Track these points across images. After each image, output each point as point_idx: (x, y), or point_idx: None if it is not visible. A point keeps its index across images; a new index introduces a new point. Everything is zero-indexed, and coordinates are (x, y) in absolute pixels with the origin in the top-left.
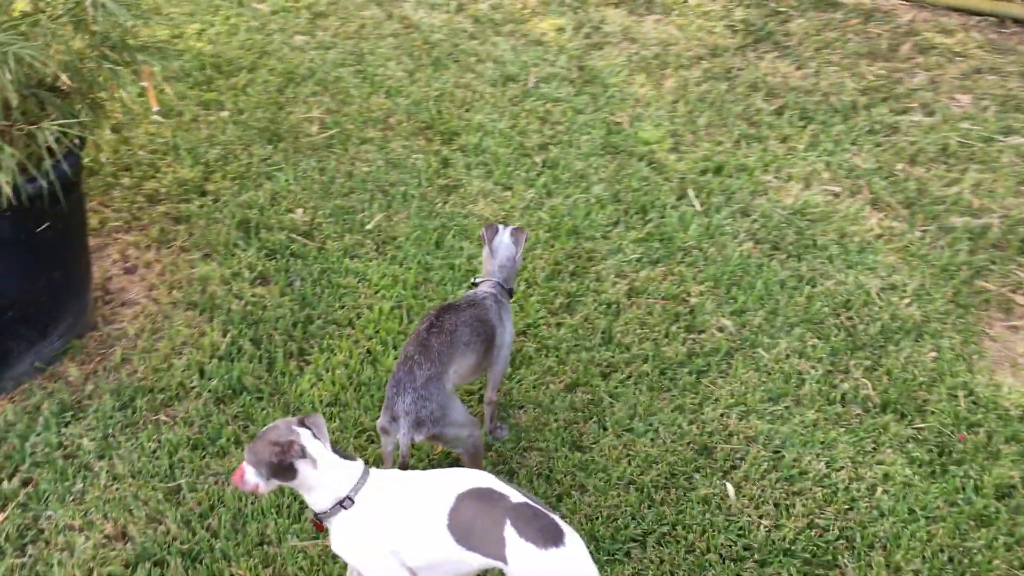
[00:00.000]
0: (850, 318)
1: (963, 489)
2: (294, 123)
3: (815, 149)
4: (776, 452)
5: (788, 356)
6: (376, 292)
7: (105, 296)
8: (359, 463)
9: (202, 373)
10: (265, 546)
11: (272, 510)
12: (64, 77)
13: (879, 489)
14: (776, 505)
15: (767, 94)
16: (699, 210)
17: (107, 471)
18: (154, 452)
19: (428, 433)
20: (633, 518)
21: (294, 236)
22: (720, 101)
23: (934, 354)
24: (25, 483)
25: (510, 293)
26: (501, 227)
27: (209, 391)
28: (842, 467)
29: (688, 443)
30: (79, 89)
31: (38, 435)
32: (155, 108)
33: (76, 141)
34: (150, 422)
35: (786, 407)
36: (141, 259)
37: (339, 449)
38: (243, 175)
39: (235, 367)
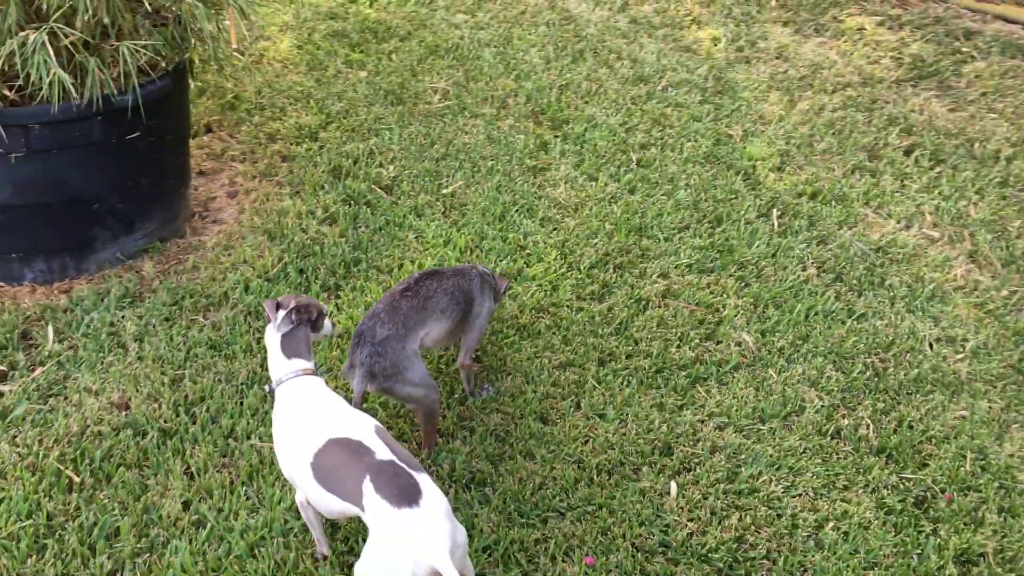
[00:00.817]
0: (885, 360)
1: (922, 545)
2: (419, 90)
3: (930, 192)
4: (737, 466)
5: (798, 382)
6: (425, 249)
7: (203, 212)
8: (300, 363)
9: (247, 288)
10: (230, 440)
11: (248, 411)
12: (146, 2)
13: (830, 524)
14: (713, 513)
15: (903, 130)
16: (775, 230)
17: (136, 352)
18: (177, 344)
19: (379, 386)
20: (564, 491)
21: (375, 187)
22: (849, 130)
23: (964, 413)
24: (70, 348)
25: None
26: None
27: (244, 304)
28: (800, 495)
29: (652, 439)
30: (169, 18)
31: (97, 312)
32: (233, 45)
33: (169, 67)
34: (188, 320)
35: (771, 428)
36: (243, 187)
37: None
38: (355, 129)
39: (274, 289)
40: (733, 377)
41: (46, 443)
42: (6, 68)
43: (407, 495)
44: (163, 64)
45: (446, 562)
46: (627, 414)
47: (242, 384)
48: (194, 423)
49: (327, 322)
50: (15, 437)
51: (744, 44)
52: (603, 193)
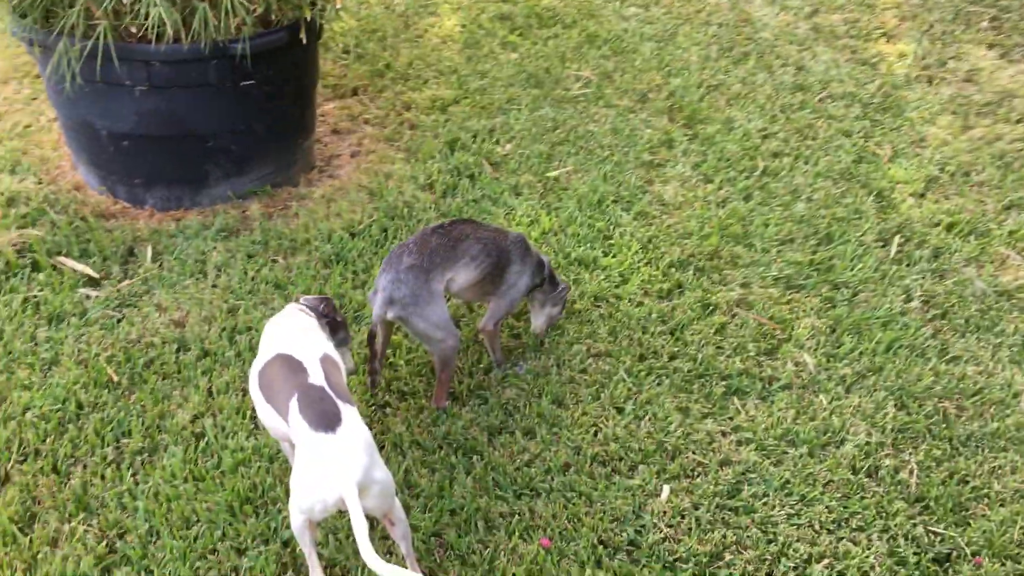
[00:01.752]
0: (962, 408)
1: None
2: (562, 76)
3: None
4: (742, 483)
5: (849, 414)
6: (510, 226)
7: (323, 167)
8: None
9: (328, 238)
10: (243, 363)
11: None
12: None
13: (824, 561)
14: (697, 524)
15: None
16: (891, 257)
17: (212, 280)
18: (249, 278)
19: (395, 314)
20: (549, 473)
21: (483, 162)
22: (1019, 164)
23: None
24: (160, 267)
25: (542, 282)
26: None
27: (320, 253)
28: (802, 525)
29: (661, 441)
30: None
31: (195, 241)
32: (339, 5)
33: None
34: (267, 259)
35: (799, 454)
36: (366, 148)
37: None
38: (485, 106)
39: (352, 244)
40: (777, 396)
41: (103, 344)
42: (133, 7)
43: (326, 421)
44: (278, 18)
45: (352, 493)
46: (646, 412)
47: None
48: (232, 348)
49: (345, 341)
50: (82, 335)
51: (932, 62)
52: (714, 196)
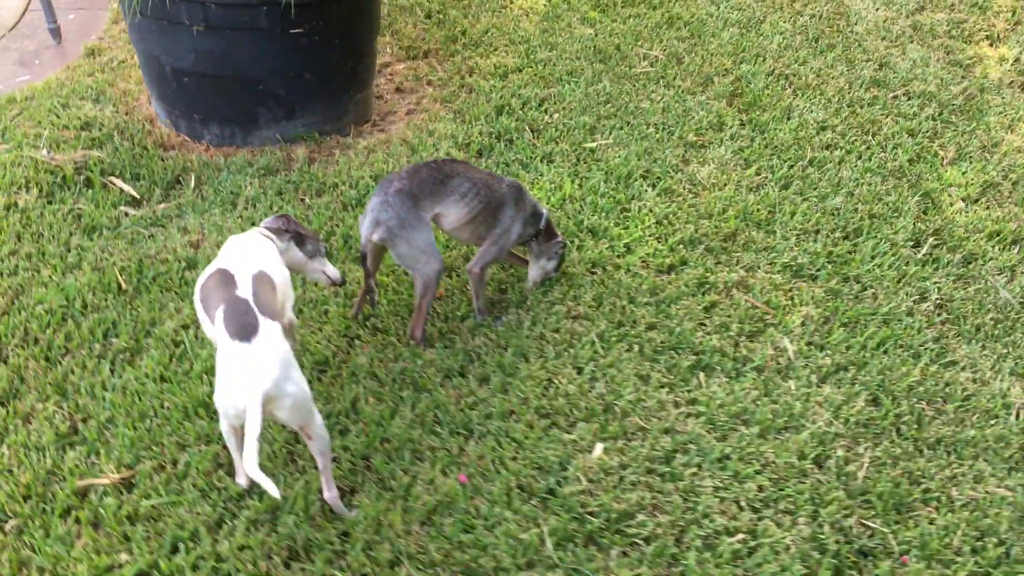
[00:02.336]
0: (941, 412)
1: None
2: (630, 54)
3: None
4: (676, 451)
5: (815, 403)
6: (533, 189)
7: (378, 120)
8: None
9: (355, 185)
10: None
11: None
12: None
13: (737, 536)
14: (620, 481)
15: None
16: (918, 258)
17: (239, 210)
18: (272, 212)
19: (380, 236)
20: (488, 416)
21: (525, 128)
22: None
23: (1005, 491)
24: (198, 197)
25: (537, 232)
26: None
27: (345, 197)
28: (726, 499)
29: (610, 403)
30: None
31: (236, 176)
32: None
33: None
34: (293, 197)
35: (748, 433)
36: (422, 107)
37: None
38: (544, 76)
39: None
40: (746, 376)
41: (124, 256)
42: None
43: (244, 331)
44: None
45: (255, 402)
46: (605, 375)
47: None
48: None
49: (318, 250)
50: (108, 246)
51: None
52: (749, 181)
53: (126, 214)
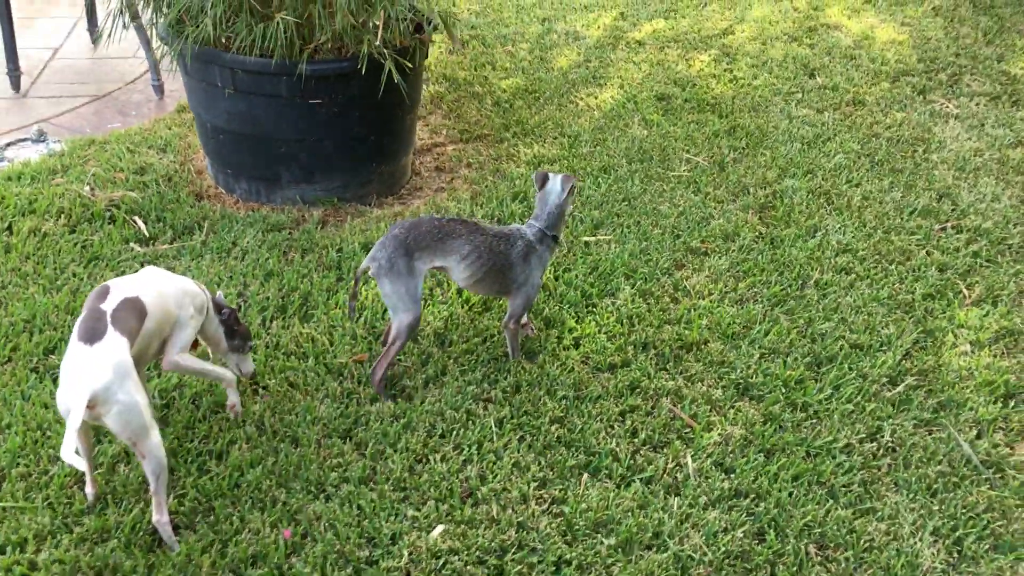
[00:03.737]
0: (830, 558)
1: None
2: (674, 156)
3: None
4: (517, 545)
5: (690, 525)
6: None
7: (406, 195)
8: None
9: (340, 250)
10: None
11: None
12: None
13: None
14: (443, 564)
15: None
16: (887, 396)
17: (229, 258)
18: (253, 262)
19: (372, 271)
20: (345, 480)
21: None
22: None
23: None
24: (202, 242)
25: (555, 239)
26: (552, 174)
27: (327, 258)
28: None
29: (473, 487)
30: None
31: (247, 228)
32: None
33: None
34: (281, 252)
35: (604, 542)
36: (451, 187)
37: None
38: (576, 169)
39: (359, 256)
40: (632, 487)
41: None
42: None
43: (89, 335)
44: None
45: (79, 402)
46: (482, 460)
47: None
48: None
49: (242, 347)
50: (97, 274)
51: None
52: (739, 294)
53: (130, 249)
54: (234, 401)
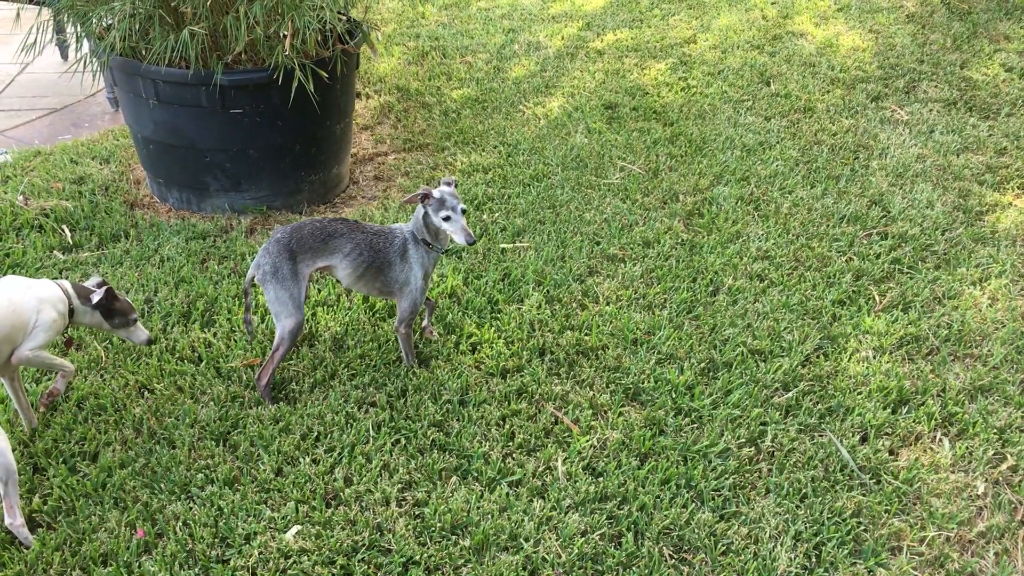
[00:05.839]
0: (684, 560)
1: None
2: (610, 165)
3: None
4: (368, 545)
5: (548, 528)
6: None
7: (339, 203)
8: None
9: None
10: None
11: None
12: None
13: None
14: (291, 563)
15: None
16: (775, 401)
17: (148, 264)
18: (168, 269)
19: (257, 278)
20: (210, 481)
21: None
22: None
23: None
24: (125, 250)
25: (427, 244)
26: (434, 191)
27: (243, 265)
28: None
29: (337, 488)
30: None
31: (171, 235)
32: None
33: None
34: (198, 259)
35: (463, 542)
36: (384, 195)
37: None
38: (507, 178)
39: None
40: (499, 489)
41: None
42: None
43: None
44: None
45: None
46: (353, 462)
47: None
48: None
49: (125, 322)
50: None
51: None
52: (648, 300)
53: (52, 256)
54: (58, 389)
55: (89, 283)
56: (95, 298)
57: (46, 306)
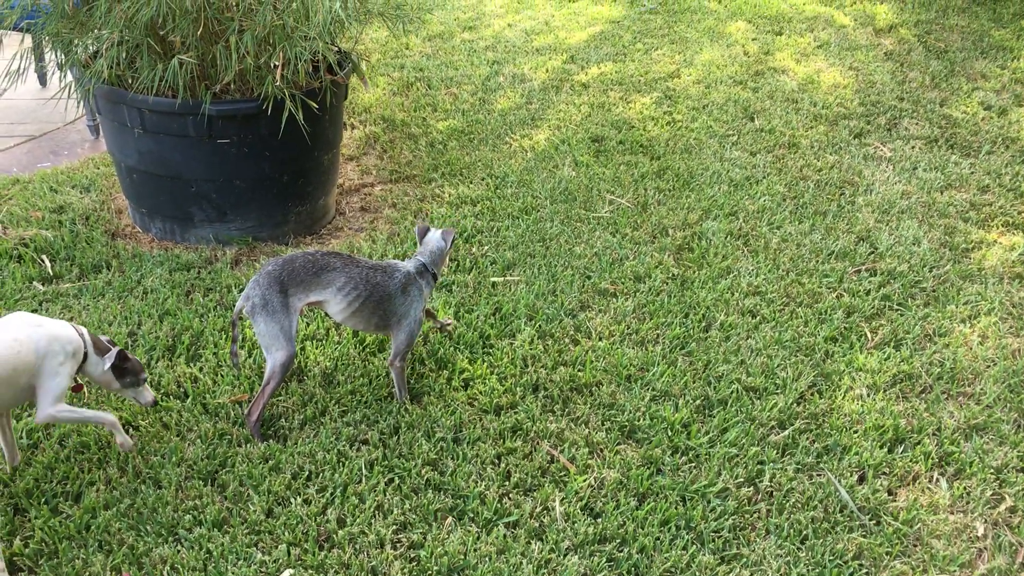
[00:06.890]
0: None
1: None
2: (598, 198)
3: None
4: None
5: (550, 571)
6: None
7: (326, 234)
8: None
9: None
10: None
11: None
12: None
13: None
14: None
15: None
16: (770, 439)
17: (131, 297)
18: (152, 302)
19: (247, 310)
20: (199, 523)
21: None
22: None
23: None
24: (107, 281)
25: (435, 277)
26: (432, 228)
27: (230, 298)
28: None
29: (330, 530)
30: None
31: (155, 267)
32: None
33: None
34: (183, 292)
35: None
36: (371, 227)
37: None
38: (496, 210)
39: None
40: (494, 531)
41: None
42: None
43: None
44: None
45: None
46: (346, 502)
47: (138, 334)
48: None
49: (135, 382)
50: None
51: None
52: (640, 336)
53: (32, 288)
54: (122, 440)
55: (102, 337)
56: (107, 363)
57: (57, 347)
